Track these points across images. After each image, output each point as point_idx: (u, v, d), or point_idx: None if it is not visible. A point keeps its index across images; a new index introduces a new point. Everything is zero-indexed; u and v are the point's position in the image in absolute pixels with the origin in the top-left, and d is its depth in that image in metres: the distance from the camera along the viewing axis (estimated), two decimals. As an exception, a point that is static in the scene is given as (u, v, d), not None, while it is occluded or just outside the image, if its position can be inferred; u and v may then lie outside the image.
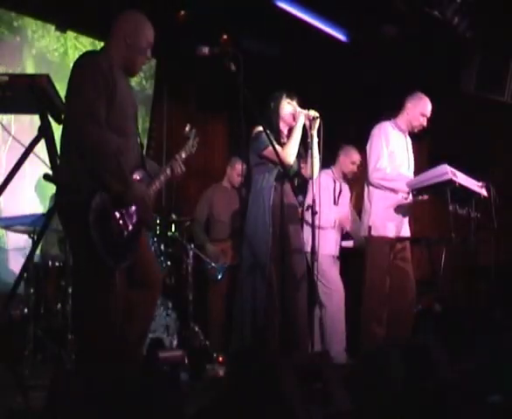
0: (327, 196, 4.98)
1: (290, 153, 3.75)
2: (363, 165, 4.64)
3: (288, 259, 3.72)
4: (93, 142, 2.62)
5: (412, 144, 4.51)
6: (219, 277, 5.17)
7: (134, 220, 2.79)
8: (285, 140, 3.88)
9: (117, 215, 2.70)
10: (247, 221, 3.81)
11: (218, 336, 5.02)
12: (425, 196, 4.26)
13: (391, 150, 4.29)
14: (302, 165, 3.90)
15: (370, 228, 4.27)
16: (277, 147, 3.62)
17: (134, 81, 6.41)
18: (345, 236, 5.28)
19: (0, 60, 5.27)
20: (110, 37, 2.90)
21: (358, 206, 5.29)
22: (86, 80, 2.65)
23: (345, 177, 5.20)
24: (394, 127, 4.37)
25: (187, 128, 3.29)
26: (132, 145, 2.85)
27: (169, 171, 3.06)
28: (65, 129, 2.73)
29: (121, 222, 2.72)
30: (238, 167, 5.30)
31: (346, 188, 5.29)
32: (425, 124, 4.34)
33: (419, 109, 4.32)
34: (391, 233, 4.26)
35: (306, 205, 4.65)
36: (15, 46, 5.43)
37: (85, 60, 2.79)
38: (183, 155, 3.17)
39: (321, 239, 4.86)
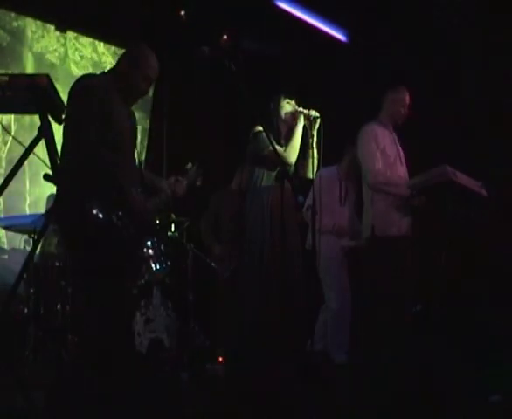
0: (332, 197, 4.96)
1: (292, 153, 3.75)
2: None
3: (287, 260, 3.72)
4: (91, 161, 2.74)
5: (412, 144, 4.52)
6: (225, 276, 5.19)
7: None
8: (283, 140, 3.88)
9: (115, 218, 2.74)
10: (247, 221, 3.80)
11: (219, 336, 5.02)
12: (423, 198, 4.26)
13: (383, 149, 4.29)
14: (300, 165, 3.90)
15: (372, 228, 4.26)
16: (277, 147, 3.62)
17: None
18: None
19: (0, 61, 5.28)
20: (116, 63, 3.08)
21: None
22: (83, 112, 2.80)
23: (349, 176, 5.15)
24: (379, 125, 4.38)
25: (189, 165, 3.33)
26: (129, 161, 2.95)
27: (170, 192, 3.15)
28: (66, 139, 2.84)
29: (120, 226, 2.76)
30: (245, 170, 5.34)
31: (351, 187, 5.25)
32: (406, 114, 4.36)
33: (398, 101, 4.35)
34: (394, 232, 4.25)
35: (306, 205, 4.64)
36: (14, 47, 5.43)
37: (80, 88, 2.90)
38: (185, 183, 3.23)
39: (325, 240, 4.86)
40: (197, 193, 5.33)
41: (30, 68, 5.45)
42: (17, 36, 5.45)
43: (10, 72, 5.02)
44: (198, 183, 3.38)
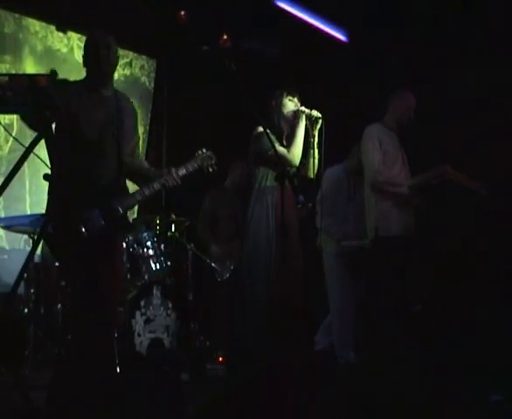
0: (339, 195, 4.97)
1: (295, 155, 3.75)
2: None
3: (287, 260, 3.71)
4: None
5: (412, 144, 4.51)
6: (225, 277, 5.17)
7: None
8: (284, 139, 3.87)
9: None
10: (250, 221, 3.79)
11: (219, 336, 5.02)
12: (423, 198, 4.26)
13: (385, 150, 4.29)
14: (301, 165, 3.89)
15: (376, 229, 4.25)
16: (281, 148, 3.62)
17: (134, 80, 6.43)
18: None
19: (4, 59, 5.29)
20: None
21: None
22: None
23: (357, 171, 5.14)
24: (384, 127, 4.38)
25: (202, 150, 3.37)
26: (104, 157, 3.05)
27: (157, 185, 3.16)
28: None
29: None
30: (241, 168, 5.33)
31: (360, 181, 5.23)
32: (412, 117, 4.36)
33: (405, 103, 4.35)
34: (397, 232, 4.24)
35: (308, 205, 4.64)
36: (18, 46, 5.44)
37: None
38: (182, 172, 3.24)
39: (329, 241, 4.86)
40: (196, 192, 5.37)
41: (32, 67, 5.45)
42: (22, 35, 5.46)
43: (13, 70, 5.05)
44: (210, 170, 3.38)
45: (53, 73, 2.50)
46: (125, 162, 3.19)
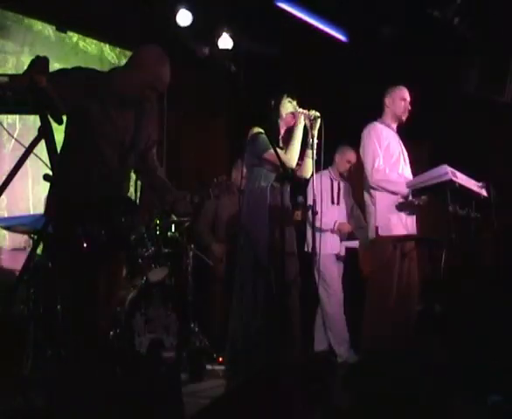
0: (324, 197, 5.01)
1: (293, 156, 3.75)
2: (359, 163, 4.68)
3: (284, 260, 3.72)
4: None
5: (413, 145, 4.52)
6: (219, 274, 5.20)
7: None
8: (281, 140, 3.88)
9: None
10: (247, 221, 3.80)
11: (218, 336, 5.02)
12: (424, 198, 4.27)
13: (385, 148, 4.30)
14: (299, 165, 3.90)
15: (377, 229, 4.25)
16: (278, 150, 3.63)
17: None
18: (349, 235, 5.31)
19: (8, 58, 5.31)
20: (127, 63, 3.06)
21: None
22: None
23: (342, 176, 5.28)
24: (383, 124, 4.39)
25: (221, 179, 3.10)
26: (104, 168, 2.91)
27: (168, 207, 3.04)
28: None
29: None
30: (243, 169, 5.34)
31: (346, 185, 5.33)
32: (409, 108, 4.38)
33: (398, 96, 4.39)
34: (400, 231, 4.24)
35: (307, 206, 4.68)
36: (22, 45, 5.45)
37: None
38: (196, 200, 3.03)
39: (321, 239, 4.88)
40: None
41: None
42: (25, 34, 5.47)
43: (16, 70, 5.07)
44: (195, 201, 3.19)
45: (45, 59, 2.49)
46: (140, 172, 3.08)
